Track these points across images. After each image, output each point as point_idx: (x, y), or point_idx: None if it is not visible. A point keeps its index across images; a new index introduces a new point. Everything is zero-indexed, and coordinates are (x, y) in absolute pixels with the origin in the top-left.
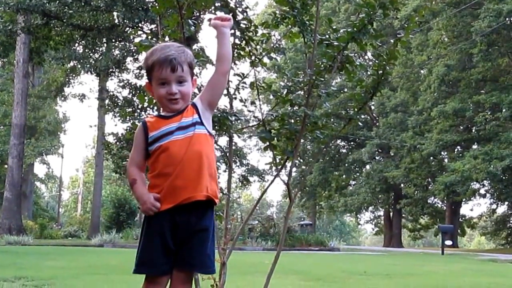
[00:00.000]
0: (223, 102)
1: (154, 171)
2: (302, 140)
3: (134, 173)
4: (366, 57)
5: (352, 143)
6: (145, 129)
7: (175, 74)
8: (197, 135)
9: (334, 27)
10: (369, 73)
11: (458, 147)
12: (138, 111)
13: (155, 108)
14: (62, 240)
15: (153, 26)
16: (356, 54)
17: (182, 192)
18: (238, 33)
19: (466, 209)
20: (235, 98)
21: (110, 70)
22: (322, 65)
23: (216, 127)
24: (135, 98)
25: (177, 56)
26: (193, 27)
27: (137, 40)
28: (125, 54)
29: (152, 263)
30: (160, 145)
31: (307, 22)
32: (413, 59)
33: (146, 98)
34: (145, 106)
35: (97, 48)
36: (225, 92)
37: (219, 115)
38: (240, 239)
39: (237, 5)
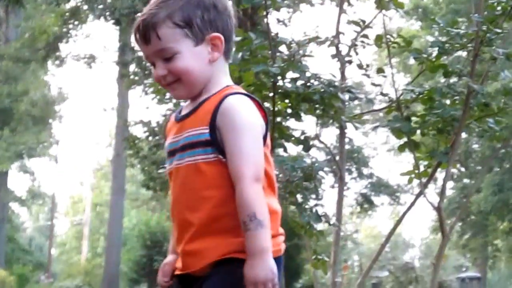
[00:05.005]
0: (330, 69)
1: None
2: (463, 135)
3: None
4: None
5: None
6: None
7: (149, 47)
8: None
9: None
10: None
11: None
12: None
13: None
14: None
15: None
16: None
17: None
18: None
19: None
20: (350, 62)
21: (138, 13)
22: (499, 7)
23: (318, 112)
24: None
25: (150, 15)
26: None
27: None
28: None
29: None
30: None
31: None
32: None
33: None
34: None
35: None
36: (333, 52)
37: (322, 89)
38: None
39: None
